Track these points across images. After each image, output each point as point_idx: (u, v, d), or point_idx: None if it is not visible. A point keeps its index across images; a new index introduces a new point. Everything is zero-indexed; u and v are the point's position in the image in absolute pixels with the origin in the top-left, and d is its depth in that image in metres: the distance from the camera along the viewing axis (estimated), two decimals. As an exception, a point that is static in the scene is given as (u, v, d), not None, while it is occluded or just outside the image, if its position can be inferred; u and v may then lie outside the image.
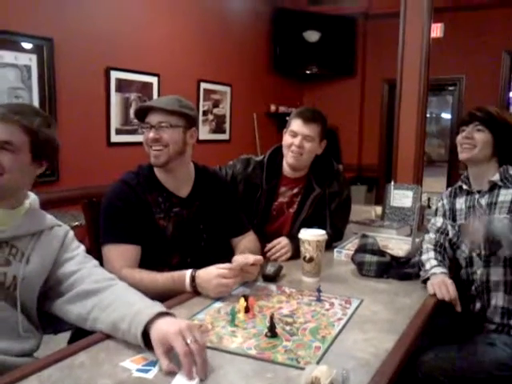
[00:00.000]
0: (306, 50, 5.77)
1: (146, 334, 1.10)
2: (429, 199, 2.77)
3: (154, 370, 1.04)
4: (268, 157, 2.13)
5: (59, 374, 1.02)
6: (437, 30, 4.88)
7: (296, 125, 2.03)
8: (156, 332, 1.09)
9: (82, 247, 1.35)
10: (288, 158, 2.06)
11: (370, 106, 6.04)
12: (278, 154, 2.13)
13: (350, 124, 6.01)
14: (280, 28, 5.63)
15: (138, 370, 1.04)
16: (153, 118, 1.64)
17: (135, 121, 3.45)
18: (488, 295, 1.64)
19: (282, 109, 5.67)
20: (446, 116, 8.23)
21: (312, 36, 5.75)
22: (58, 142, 1.31)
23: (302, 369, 1.03)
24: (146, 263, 1.60)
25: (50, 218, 1.32)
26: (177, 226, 1.68)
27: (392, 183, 2.64)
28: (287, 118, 2.13)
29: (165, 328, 1.08)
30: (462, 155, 1.69)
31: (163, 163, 1.66)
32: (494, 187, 1.65)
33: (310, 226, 1.73)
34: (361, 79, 6.07)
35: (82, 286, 1.25)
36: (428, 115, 3.81)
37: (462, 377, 1.53)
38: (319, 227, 1.72)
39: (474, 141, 1.66)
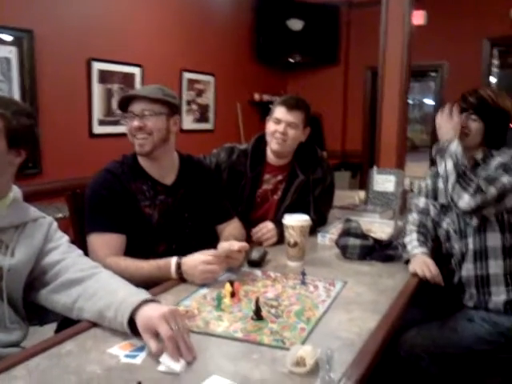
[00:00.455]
0: (290, 39, 5.74)
1: (131, 321, 1.11)
2: (411, 183, 2.80)
3: (142, 356, 1.05)
4: (252, 145, 2.14)
5: (47, 363, 1.02)
6: (420, 18, 4.89)
7: (280, 112, 2.04)
8: (141, 319, 1.10)
9: (66, 237, 1.35)
10: (272, 145, 2.07)
11: (354, 93, 6.06)
12: (261, 142, 2.14)
13: (333, 111, 6.01)
14: (263, 16, 5.59)
15: (126, 356, 1.05)
16: (136, 107, 1.64)
17: (118, 111, 3.42)
18: (466, 266, 1.66)
19: (265, 97, 5.63)
20: (429, 102, 8.30)
21: (295, 24, 5.72)
22: (38, 132, 1.29)
23: (288, 349, 1.05)
24: (132, 251, 1.60)
25: (33, 210, 1.31)
26: (162, 213, 1.69)
27: (375, 168, 2.66)
28: (271, 106, 2.14)
29: (149, 314, 1.09)
30: None
31: (148, 152, 1.66)
32: (476, 166, 1.68)
33: (294, 212, 1.74)
34: (344, 67, 6.07)
35: (67, 275, 1.25)
36: (411, 101, 3.86)
37: (443, 353, 1.58)
38: (303, 213, 1.73)
39: (467, 129, 1.66)
